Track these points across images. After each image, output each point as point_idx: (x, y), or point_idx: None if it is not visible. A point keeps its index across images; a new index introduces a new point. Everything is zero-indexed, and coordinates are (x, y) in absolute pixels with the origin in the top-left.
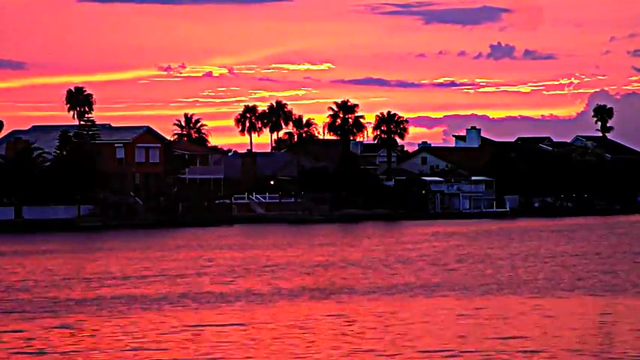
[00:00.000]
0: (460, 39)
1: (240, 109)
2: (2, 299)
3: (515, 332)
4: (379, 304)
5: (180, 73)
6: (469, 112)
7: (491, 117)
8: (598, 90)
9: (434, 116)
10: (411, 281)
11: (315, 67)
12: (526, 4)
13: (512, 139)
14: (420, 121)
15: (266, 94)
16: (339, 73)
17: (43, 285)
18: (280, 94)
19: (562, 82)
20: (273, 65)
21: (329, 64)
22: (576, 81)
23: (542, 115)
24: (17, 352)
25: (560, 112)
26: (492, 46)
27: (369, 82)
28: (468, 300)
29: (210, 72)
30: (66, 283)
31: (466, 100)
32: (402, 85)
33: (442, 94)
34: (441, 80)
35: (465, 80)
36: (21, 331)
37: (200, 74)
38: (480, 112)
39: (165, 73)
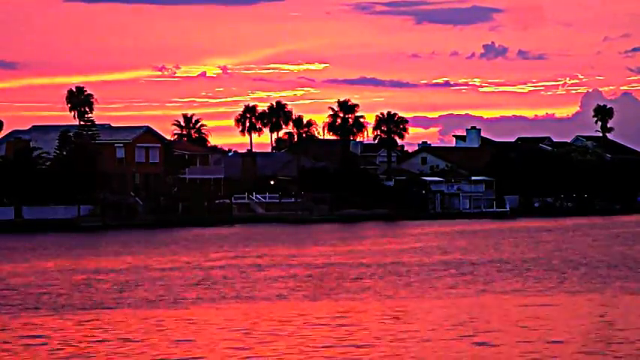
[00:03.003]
0: (452, 39)
1: (236, 110)
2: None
3: None
4: None
5: (175, 73)
6: (463, 112)
7: (486, 117)
8: (591, 90)
9: (430, 116)
10: None
11: (309, 68)
12: (517, 4)
13: (508, 139)
14: (416, 121)
15: (263, 94)
16: (334, 73)
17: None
18: (276, 95)
19: (557, 82)
20: (267, 65)
21: (323, 65)
22: (570, 81)
23: (536, 115)
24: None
25: (556, 112)
26: (485, 46)
27: (363, 82)
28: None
29: (205, 72)
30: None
31: (461, 100)
32: (397, 85)
33: (437, 94)
34: (436, 81)
35: (460, 80)
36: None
37: (195, 74)
38: (475, 112)
39: (159, 73)
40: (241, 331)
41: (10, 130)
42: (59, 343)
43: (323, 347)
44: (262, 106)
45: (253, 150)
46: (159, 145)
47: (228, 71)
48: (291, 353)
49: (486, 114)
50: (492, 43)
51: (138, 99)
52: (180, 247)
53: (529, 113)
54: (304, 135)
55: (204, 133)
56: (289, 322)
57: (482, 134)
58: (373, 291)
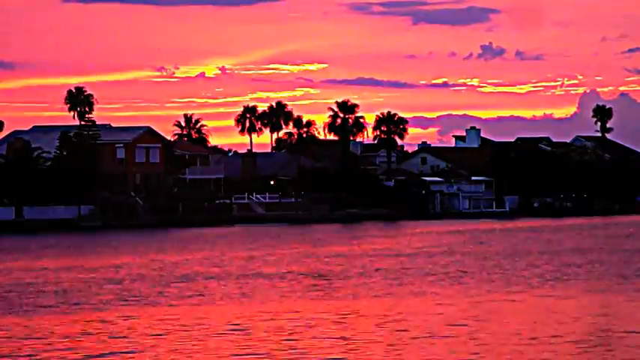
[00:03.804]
0: (449, 39)
1: (236, 110)
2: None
3: None
4: None
5: (174, 73)
6: (461, 113)
7: (484, 117)
8: (588, 90)
9: (428, 116)
10: None
11: (308, 68)
12: (514, 5)
13: (506, 139)
14: (414, 122)
15: (262, 94)
16: (333, 73)
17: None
18: (275, 95)
19: (554, 82)
20: (266, 66)
21: (322, 65)
22: (569, 81)
23: (534, 115)
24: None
25: (554, 112)
26: (483, 47)
27: (362, 82)
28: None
29: (204, 72)
30: None
31: (460, 101)
32: (395, 85)
33: (436, 95)
34: (434, 81)
35: (458, 80)
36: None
37: (194, 75)
38: (473, 113)
39: (158, 73)
40: (238, 331)
41: (10, 130)
42: (43, 340)
43: (317, 345)
44: (262, 107)
45: (253, 150)
46: (159, 145)
47: (227, 72)
48: (282, 352)
49: (484, 114)
50: (490, 43)
51: (137, 99)
52: (179, 246)
53: (527, 113)
54: (304, 135)
55: (204, 134)
56: (285, 321)
57: (481, 134)
58: (368, 291)
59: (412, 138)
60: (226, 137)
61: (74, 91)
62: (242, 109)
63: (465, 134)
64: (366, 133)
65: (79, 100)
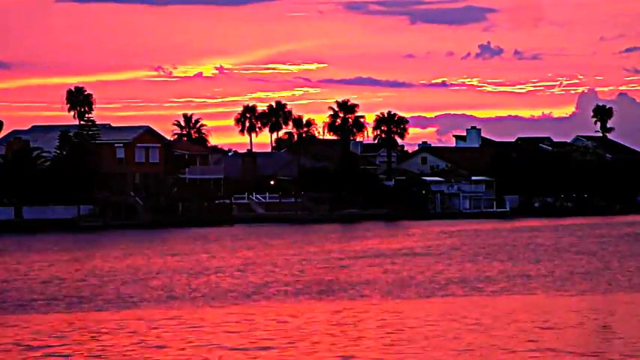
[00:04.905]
0: (447, 39)
1: (234, 110)
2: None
3: None
4: None
5: (172, 73)
6: (460, 112)
7: (482, 117)
8: (586, 90)
9: (427, 116)
10: None
11: (307, 68)
12: (511, 4)
13: (505, 139)
14: (413, 121)
15: (261, 94)
16: (332, 73)
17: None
18: (274, 95)
19: (552, 82)
20: (264, 66)
21: (321, 65)
22: (568, 81)
23: (532, 115)
24: None
25: (553, 112)
26: (481, 47)
27: (360, 82)
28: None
29: (201, 72)
30: None
31: (459, 100)
32: (394, 85)
33: (434, 95)
34: (433, 81)
35: (456, 80)
36: None
37: (192, 75)
38: (472, 112)
39: (156, 73)
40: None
41: (9, 130)
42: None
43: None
44: (261, 107)
45: (253, 150)
46: (159, 145)
47: (225, 71)
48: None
49: (483, 114)
50: (488, 43)
51: (135, 99)
52: (176, 247)
53: (525, 113)
54: (304, 135)
55: (204, 133)
56: (284, 323)
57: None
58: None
59: (412, 138)
60: (226, 137)
61: (74, 90)
62: (241, 108)
63: (464, 134)
64: (366, 132)
65: (78, 99)
